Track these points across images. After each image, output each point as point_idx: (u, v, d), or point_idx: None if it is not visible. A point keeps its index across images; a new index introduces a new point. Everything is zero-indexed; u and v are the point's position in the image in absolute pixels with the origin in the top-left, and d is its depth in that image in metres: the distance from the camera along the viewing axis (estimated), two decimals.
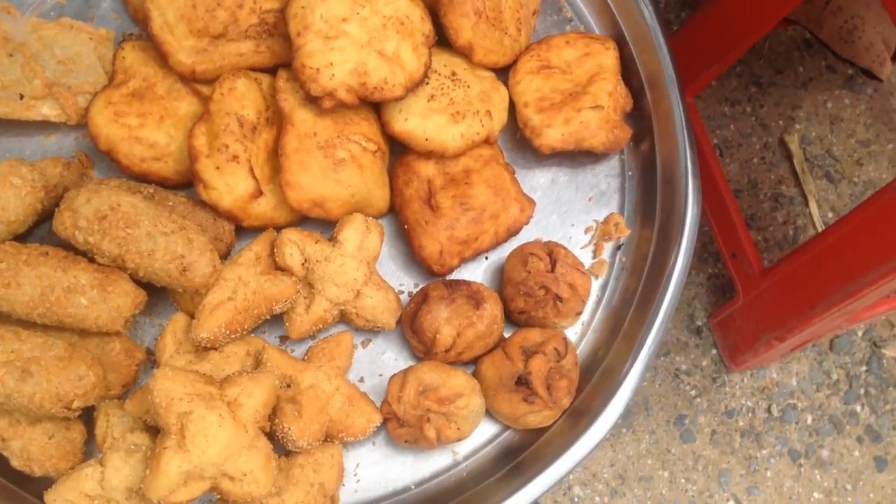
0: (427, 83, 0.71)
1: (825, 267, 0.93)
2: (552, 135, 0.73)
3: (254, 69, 0.71)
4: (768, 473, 1.10)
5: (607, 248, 0.75)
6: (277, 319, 0.68)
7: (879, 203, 0.84)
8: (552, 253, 0.69)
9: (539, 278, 0.68)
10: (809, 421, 1.13)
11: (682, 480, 1.10)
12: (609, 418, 0.67)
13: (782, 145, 1.22)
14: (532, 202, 0.73)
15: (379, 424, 0.65)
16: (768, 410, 1.13)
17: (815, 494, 1.10)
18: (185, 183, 0.70)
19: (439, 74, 0.72)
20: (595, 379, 0.70)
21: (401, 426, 0.65)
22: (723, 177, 1.08)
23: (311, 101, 0.67)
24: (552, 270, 0.68)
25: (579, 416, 0.67)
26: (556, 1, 0.81)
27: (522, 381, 0.66)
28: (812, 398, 1.13)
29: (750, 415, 1.13)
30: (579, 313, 0.70)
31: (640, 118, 0.77)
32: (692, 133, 0.73)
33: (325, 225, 0.71)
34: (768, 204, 1.20)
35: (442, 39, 0.73)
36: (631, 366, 0.68)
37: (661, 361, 1.14)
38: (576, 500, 1.08)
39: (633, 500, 1.09)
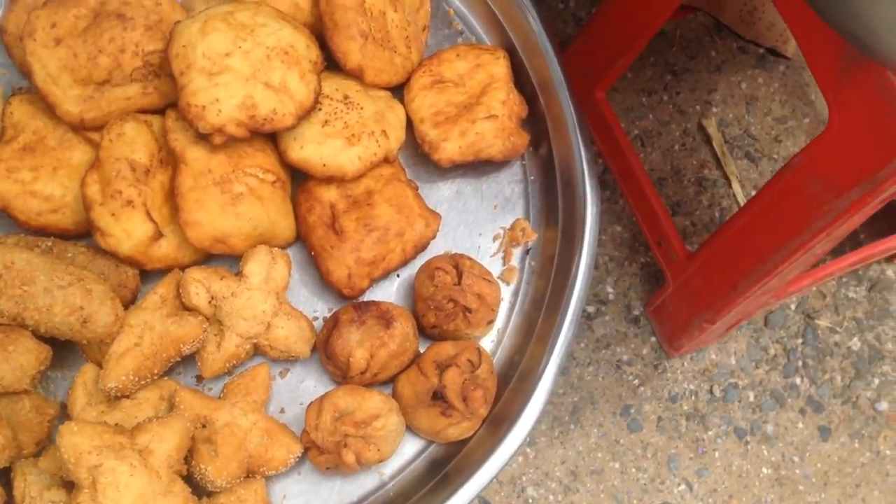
0: (320, 109, 0.72)
1: (741, 248, 0.95)
2: (450, 148, 0.74)
3: (144, 111, 0.71)
4: (716, 454, 1.12)
5: (516, 253, 0.76)
6: (193, 359, 0.68)
7: (782, 182, 0.86)
8: (458, 265, 0.70)
9: (447, 292, 0.69)
10: (752, 398, 1.15)
11: (633, 470, 1.11)
12: (527, 421, 0.67)
13: (701, 130, 1.24)
14: (437, 216, 0.74)
15: (300, 455, 0.65)
16: (711, 392, 1.15)
17: (764, 469, 1.12)
18: (86, 233, 0.69)
19: (332, 99, 0.72)
20: (512, 384, 0.70)
21: (320, 454, 0.65)
22: (641, 168, 1.10)
23: (202, 138, 0.67)
24: (459, 283, 0.69)
25: (499, 423, 0.68)
26: (445, 15, 0.81)
27: (438, 396, 0.66)
28: (752, 375, 1.15)
29: (693, 398, 1.14)
30: (491, 322, 0.71)
31: (536, 123, 0.78)
32: (586, 134, 0.74)
33: (234, 259, 0.71)
34: (693, 189, 1.22)
35: (333, 64, 0.73)
36: (545, 367, 0.69)
37: (603, 354, 1.16)
38: (530, 501, 1.09)
39: (587, 495, 1.10)
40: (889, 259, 1.19)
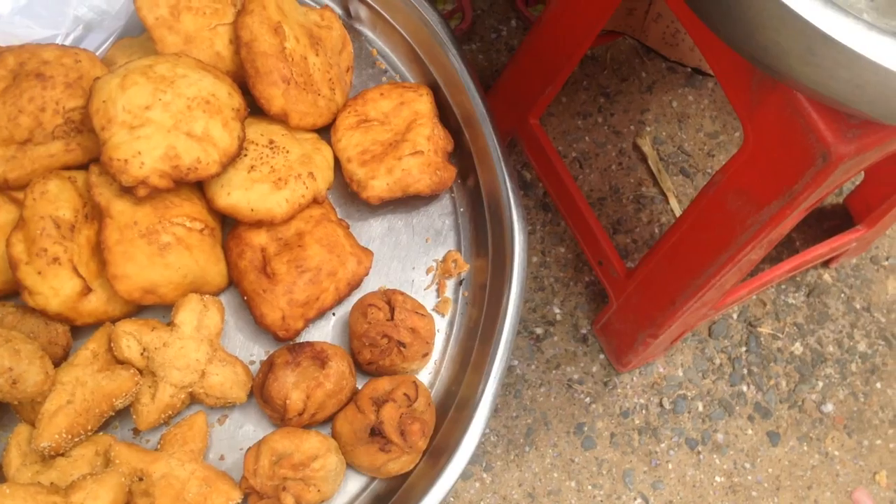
0: (246, 155, 0.72)
1: (675, 263, 0.97)
2: (378, 186, 0.75)
3: (68, 168, 0.71)
4: (670, 466, 1.14)
5: (450, 285, 0.77)
6: (129, 411, 0.68)
7: (706, 199, 0.88)
8: (391, 301, 0.71)
9: (380, 328, 0.70)
10: (700, 408, 1.17)
11: (589, 487, 1.12)
12: (467, 450, 0.68)
13: (636, 149, 1.27)
14: (369, 253, 0.75)
15: (239, 501, 0.65)
16: (661, 405, 1.16)
17: (717, 478, 1.14)
18: (14, 292, 0.69)
19: (257, 144, 0.73)
20: (451, 414, 0.71)
21: (260, 499, 0.65)
22: (578, 191, 1.12)
23: (127, 191, 0.67)
24: (392, 318, 0.70)
25: (439, 454, 0.69)
26: (369, 55, 0.83)
27: (376, 432, 0.67)
28: (700, 386, 1.17)
29: (644, 412, 1.16)
30: (427, 354, 0.72)
31: (462, 156, 0.79)
32: (511, 165, 0.76)
33: (167, 309, 0.71)
34: (632, 206, 1.25)
35: (258, 109, 0.74)
36: (481, 395, 0.70)
37: (554, 374, 1.17)
38: None
39: None
40: (825, 264, 1.23)
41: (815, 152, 0.74)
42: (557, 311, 1.20)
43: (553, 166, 1.14)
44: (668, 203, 1.25)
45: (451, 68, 0.78)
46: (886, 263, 1.23)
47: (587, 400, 1.16)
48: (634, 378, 1.18)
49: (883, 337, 1.20)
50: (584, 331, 1.19)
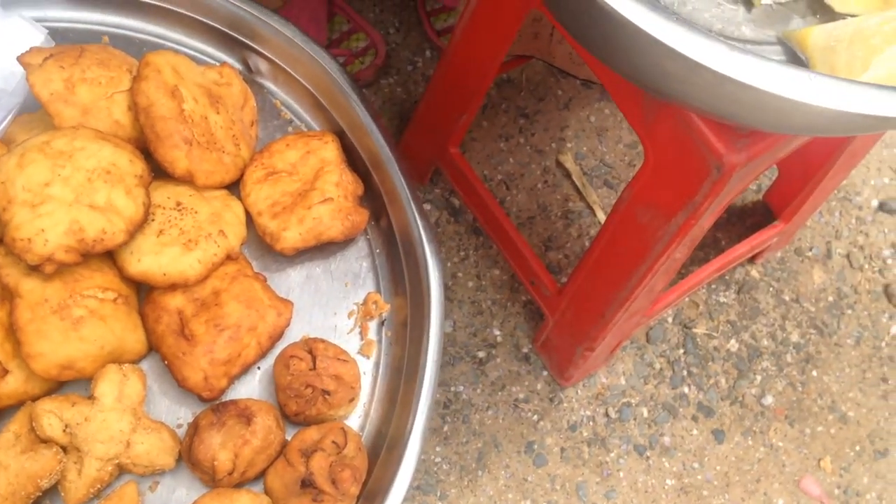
0: (153, 220, 0.73)
1: (599, 277, 1.00)
2: (290, 237, 0.76)
3: None
4: (621, 474, 1.16)
5: (372, 326, 0.78)
6: (58, 489, 0.68)
7: (619, 214, 0.91)
8: (312, 350, 0.72)
9: (303, 378, 0.70)
10: (646, 414, 1.19)
11: None
12: (400, 489, 0.69)
13: (560, 166, 1.30)
14: (289, 304, 0.76)
15: None
16: (606, 414, 1.18)
17: (668, 481, 1.16)
18: None
19: (164, 208, 0.74)
20: (382, 455, 0.72)
21: None
22: (503, 214, 1.14)
23: (34, 269, 0.67)
24: (314, 367, 0.71)
25: (373, 497, 0.70)
26: (273, 107, 0.84)
27: (307, 483, 0.67)
28: (642, 392, 1.20)
29: (591, 423, 1.18)
30: (353, 399, 0.73)
31: (374, 198, 0.81)
32: (420, 204, 0.77)
33: (88, 382, 0.71)
34: (561, 223, 1.27)
35: (165, 172, 0.75)
36: (410, 432, 0.70)
37: (500, 396, 1.18)
38: None
39: None
40: (751, 260, 1.26)
41: (709, 164, 0.77)
42: (497, 332, 1.22)
43: (477, 192, 1.15)
44: (595, 216, 1.28)
45: (354, 114, 0.79)
46: (810, 254, 1.27)
47: (535, 418, 1.18)
48: (579, 391, 1.20)
49: (814, 326, 1.23)
50: (525, 350, 1.21)
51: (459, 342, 1.21)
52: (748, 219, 1.28)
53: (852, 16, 0.76)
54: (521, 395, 1.19)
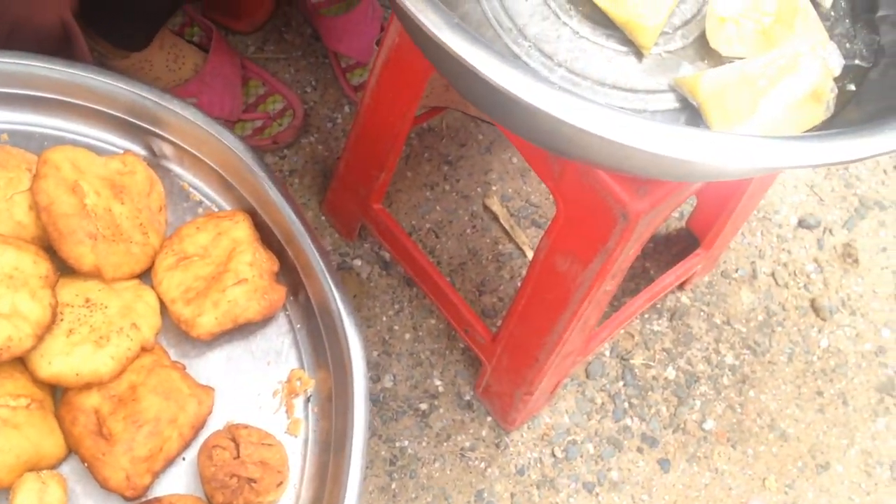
0: (62, 319, 0.71)
1: (529, 323, 1.01)
2: (206, 322, 0.75)
3: None
4: None
5: (298, 404, 0.77)
6: None
7: (539, 262, 0.92)
8: (235, 437, 0.71)
9: (227, 468, 0.69)
10: (591, 450, 1.19)
11: None
12: None
13: (487, 210, 1.31)
14: (210, 391, 0.75)
15: None
16: (553, 454, 1.19)
17: None
18: None
19: (73, 306, 0.72)
20: None
21: None
22: (432, 265, 1.14)
23: None
24: (238, 456, 0.70)
25: None
26: (181, 190, 0.84)
27: None
28: (586, 428, 1.20)
29: (539, 465, 1.18)
30: (281, 483, 0.72)
31: (290, 273, 0.80)
32: (336, 276, 0.77)
33: (7, 492, 0.69)
34: (492, 266, 1.28)
35: (71, 268, 0.73)
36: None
37: (446, 447, 1.18)
38: None
39: None
40: (680, 286, 1.28)
41: (615, 213, 0.79)
42: (439, 382, 1.22)
43: (405, 246, 1.16)
44: (525, 256, 1.29)
45: (263, 190, 0.79)
46: (737, 276, 1.30)
47: (482, 465, 1.18)
48: (524, 434, 1.20)
49: (747, 346, 1.26)
50: (468, 397, 1.21)
51: (401, 396, 1.20)
52: (674, 246, 1.31)
53: (739, 58, 0.78)
54: (468, 444, 1.19)
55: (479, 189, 1.32)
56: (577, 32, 0.80)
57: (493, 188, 1.33)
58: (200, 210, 0.83)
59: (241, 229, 0.79)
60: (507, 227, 1.30)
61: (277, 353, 0.79)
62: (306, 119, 1.31)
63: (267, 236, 0.81)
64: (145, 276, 0.78)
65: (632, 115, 0.59)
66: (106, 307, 0.73)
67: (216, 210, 0.83)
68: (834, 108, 0.75)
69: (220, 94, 1.22)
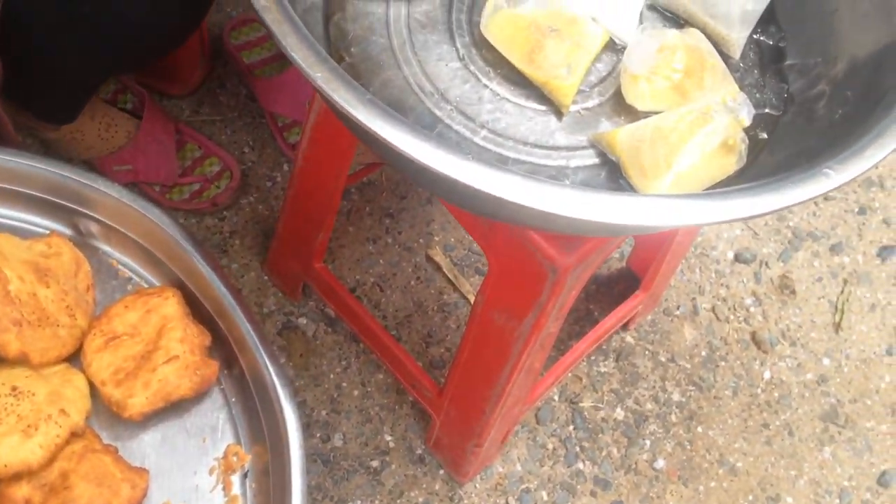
0: None
1: (471, 377, 1.01)
2: (137, 403, 0.74)
3: None
4: None
5: (235, 480, 0.76)
6: None
7: (477, 317, 0.93)
8: None
9: None
10: (545, 497, 1.19)
11: None
12: None
13: (430, 260, 1.32)
14: (144, 473, 0.73)
15: None
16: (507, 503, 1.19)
17: None
18: None
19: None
20: None
21: None
22: (376, 322, 1.14)
23: None
24: None
25: None
26: (110, 267, 0.83)
27: None
28: (539, 474, 1.20)
29: None
30: None
31: (223, 346, 0.80)
32: (270, 348, 0.77)
33: None
34: (438, 317, 1.28)
35: None
36: None
37: (399, 503, 1.17)
38: None
39: None
40: (624, 326, 1.30)
41: (545, 268, 0.80)
42: (389, 437, 1.21)
43: (347, 304, 1.16)
44: (470, 305, 1.29)
45: (192, 264, 0.79)
46: (678, 313, 1.32)
47: None
48: (477, 485, 1.20)
49: (692, 382, 1.27)
50: (419, 451, 1.20)
51: (352, 454, 1.19)
52: (616, 286, 1.32)
53: (655, 112, 0.80)
54: (421, 499, 1.18)
55: (421, 240, 1.33)
56: (498, 94, 0.82)
57: (436, 238, 1.33)
58: (130, 287, 0.82)
59: (171, 305, 0.78)
60: (450, 276, 1.31)
61: (213, 428, 0.78)
62: (245, 179, 1.30)
63: (198, 310, 0.80)
64: (75, 358, 0.77)
65: (545, 181, 0.60)
66: (33, 394, 0.72)
67: (146, 286, 0.82)
68: (747, 157, 0.78)
69: (155, 159, 1.22)
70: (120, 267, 0.83)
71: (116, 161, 1.20)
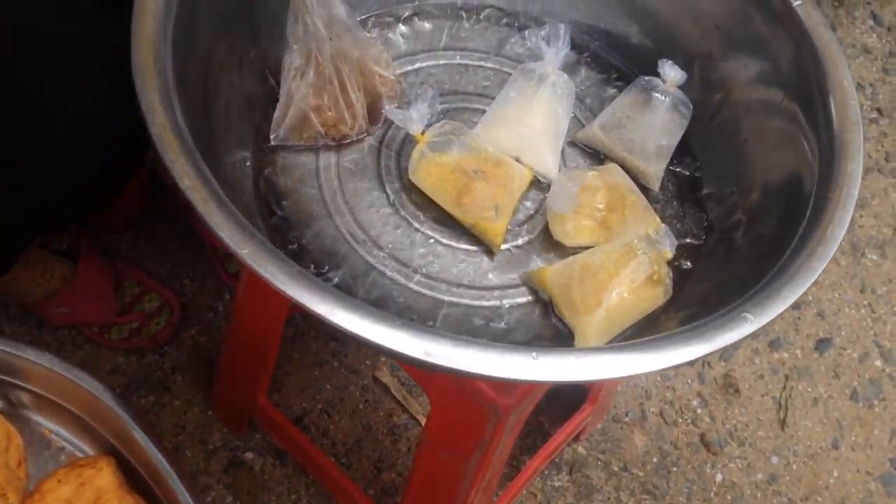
0: None
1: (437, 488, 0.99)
2: None
3: None
4: None
5: None
6: None
7: (422, 454, 0.92)
8: None
9: None
10: None
11: None
12: None
13: (378, 382, 1.31)
14: None
15: None
16: None
17: None
18: None
19: None
20: None
21: None
22: (322, 455, 1.13)
23: None
24: None
25: None
26: (43, 437, 0.80)
27: None
28: None
29: None
30: None
31: None
32: (186, 477, 0.75)
33: None
34: (388, 440, 1.27)
35: None
36: None
37: None
38: None
39: None
40: (576, 438, 1.30)
41: (486, 409, 0.80)
42: None
43: (293, 438, 1.14)
44: (421, 425, 1.28)
45: (126, 431, 0.77)
46: (627, 419, 1.33)
47: None
48: None
49: (646, 491, 1.27)
50: None
51: None
52: (566, 397, 1.33)
53: (585, 247, 0.83)
54: None
55: (367, 362, 1.33)
56: (430, 237, 0.83)
57: (382, 359, 1.33)
58: (63, 457, 0.80)
59: (105, 476, 0.76)
60: (399, 397, 1.30)
61: None
62: (185, 312, 1.29)
63: (133, 478, 0.78)
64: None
65: (465, 339, 0.61)
66: None
67: (80, 455, 0.80)
68: (673, 288, 0.80)
69: (92, 301, 1.20)
70: (53, 437, 0.80)
71: (54, 304, 1.18)
